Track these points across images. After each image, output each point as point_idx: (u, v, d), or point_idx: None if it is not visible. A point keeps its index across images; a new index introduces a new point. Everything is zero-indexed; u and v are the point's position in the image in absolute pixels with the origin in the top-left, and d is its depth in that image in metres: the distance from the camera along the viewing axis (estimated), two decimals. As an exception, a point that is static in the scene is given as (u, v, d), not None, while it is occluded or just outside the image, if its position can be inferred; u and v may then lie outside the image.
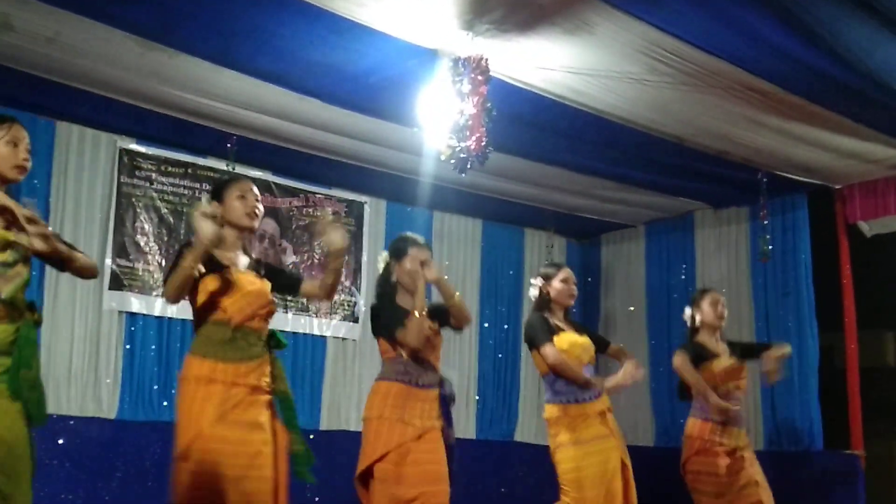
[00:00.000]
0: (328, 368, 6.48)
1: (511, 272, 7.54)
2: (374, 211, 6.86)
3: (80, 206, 5.57)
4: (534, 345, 4.35)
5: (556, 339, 4.30)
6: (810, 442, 6.10)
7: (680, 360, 4.74)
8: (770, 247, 6.11)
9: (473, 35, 4.11)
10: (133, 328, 5.71)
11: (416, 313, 3.70)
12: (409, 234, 4.03)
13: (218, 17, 4.16)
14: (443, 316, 3.94)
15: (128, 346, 5.68)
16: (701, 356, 4.78)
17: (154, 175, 5.86)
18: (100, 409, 5.50)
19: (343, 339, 6.59)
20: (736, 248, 6.85)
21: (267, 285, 3.32)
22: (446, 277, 3.94)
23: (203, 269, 3.08)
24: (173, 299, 3.14)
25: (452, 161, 4.17)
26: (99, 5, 4.06)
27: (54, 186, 5.46)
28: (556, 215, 7.37)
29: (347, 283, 6.62)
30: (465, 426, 6.88)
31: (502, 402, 7.34)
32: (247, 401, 3.13)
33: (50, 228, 2.75)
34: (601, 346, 4.56)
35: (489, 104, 4.12)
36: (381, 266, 4.01)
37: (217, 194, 3.36)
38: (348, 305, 6.64)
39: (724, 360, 4.79)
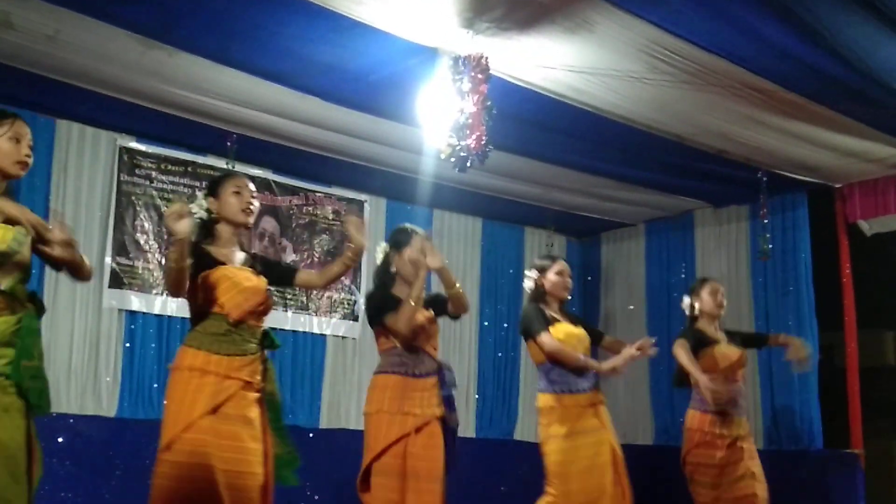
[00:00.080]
0: (328, 367, 6.46)
1: (511, 271, 7.52)
2: (374, 209, 6.86)
3: (79, 204, 5.56)
4: (529, 335, 4.37)
5: (551, 329, 4.32)
6: (810, 441, 6.10)
7: (678, 347, 4.75)
8: (770, 245, 6.09)
9: (474, 33, 4.11)
10: (133, 326, 5.71)
11: (411, 301, 3.71)
12: (408, 225, 4.05)
13: (218, 16, 4.15)
14: (439, 305, 3.96)
15: (127, 345, 5.67)
16: (701, 342, 4.80)
17: (154, 173, 5.85)
18: (99, 408, 5.49)
19: (343, 337, 6.59)
20: (736, 246, 6.84)
21: (263, 282, 3.34)
22: (447, 262, 3.95)
23: (190, 261, 3.09)
24: (173, 294, 3.29)
25: (452, 159, 4.16)
26: (99, 4, 4.06)
27: (54, 184, 5.45)
28: (556, 214, 7.36)
29: (347, 282, 6.62)
30: (465, 425, 6.86)
31: (502, 401, 7.34)
32: (239, 395, 3.16)
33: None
34: (596, 337, 4.58)
35: (489, 102, 4.12)
36: (379, 257, 4.02)
37: (212, 190, 3.40)
38: (348, 304, 6.64)
39: (724, 347, 4.81)
